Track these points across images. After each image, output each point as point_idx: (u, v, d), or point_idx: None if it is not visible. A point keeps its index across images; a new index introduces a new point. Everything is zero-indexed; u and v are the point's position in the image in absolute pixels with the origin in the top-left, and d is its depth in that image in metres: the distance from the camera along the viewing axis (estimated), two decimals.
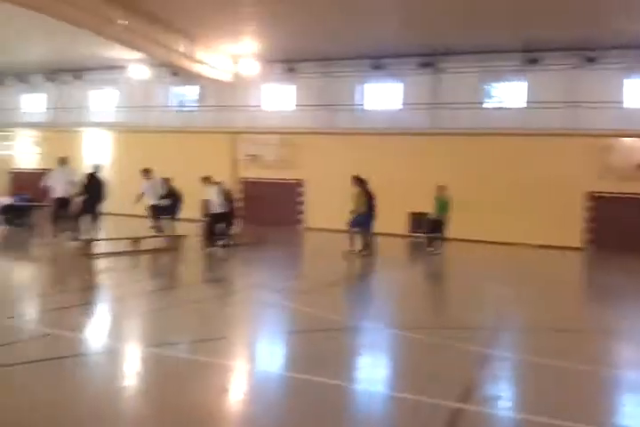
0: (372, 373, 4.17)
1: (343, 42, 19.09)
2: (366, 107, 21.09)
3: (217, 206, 12.15)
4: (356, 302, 7.18)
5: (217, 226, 12.37)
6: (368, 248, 12.15)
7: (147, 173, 13.55)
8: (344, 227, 18.98)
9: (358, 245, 12.12)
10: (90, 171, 12.91)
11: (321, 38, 18.79)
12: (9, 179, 28.02)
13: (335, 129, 21.21)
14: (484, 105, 19.50)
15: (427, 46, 18.89)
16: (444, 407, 3.33)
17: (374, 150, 20.36)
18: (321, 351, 4.53)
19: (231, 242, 13.07)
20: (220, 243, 12.13)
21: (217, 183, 12.81)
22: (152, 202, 13.20)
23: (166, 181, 13.92)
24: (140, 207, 13.69)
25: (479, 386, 3.87)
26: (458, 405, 3.37)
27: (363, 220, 12.34)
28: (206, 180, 12.65)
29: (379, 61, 20.37)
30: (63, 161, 13.12)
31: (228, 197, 12.78)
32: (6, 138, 27.07)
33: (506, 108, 19.30)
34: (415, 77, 20.11)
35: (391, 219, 20.01)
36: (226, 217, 12.54)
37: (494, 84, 19.93)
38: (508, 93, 19.65)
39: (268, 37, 19.22)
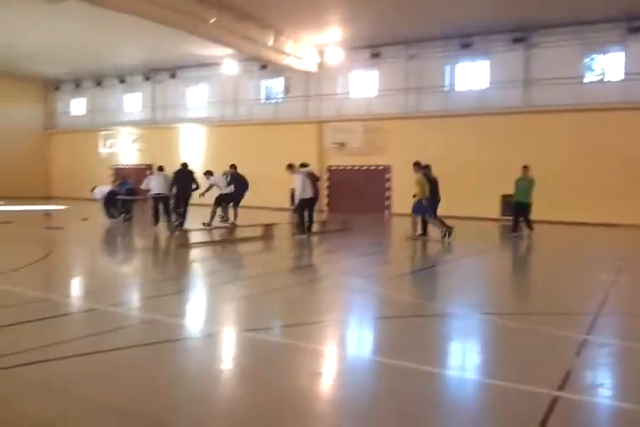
0: (464, 359, 4.10)
1: (429, 22, 18.65)
2: (456, 88, 20.52)
3: (303, 192, 12.29)
4: (444, 287, 7.07)
5: (305, 213, 12.53)
6: (426, 233, 12.32)
7: (232, 167, 14.13)
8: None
9: (419, 230, 12.29)
10: (181, 167, 13.81)
11: (406, 20, 18.46)
12: (111, 174, 29.90)
13: (422, 113, 20.84)
14: (584, 79, 18.38)
15: (518, 21, 18.06)
16: (539, 395, 3.21)
17: (463, 132, 19.83)
18: (411, 337, 4.51)
19: (317, 229, 13.29)
20: (306, 229, 12.38)
21: (304, 166, 12.95)
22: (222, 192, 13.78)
23: (232, 168, 14.44)
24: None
25: (577, 373, 3.69)
26: (555, 393, 3.24)
27: (427, 205, 12.28)
28: (290, 167, 12.74)
29: (467, 40, 19.71)
30: (161, 168, 14.40)
31: (313, 181, 12.73)
32: (109, 136, 28.83)
33: (606, 82, 18.11)
34: (505, 54, 19.30)
35: (483, 202, 19.47)
36: (313, 202, 12.66)
37: (593, 57, 18.71)
38: (608, 66, 18.38)
39: (352, 24, 19.14)
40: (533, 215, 13.68)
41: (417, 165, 12.91)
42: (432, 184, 12.60)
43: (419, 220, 12.44)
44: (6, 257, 8.61)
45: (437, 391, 3.39)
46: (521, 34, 18.67)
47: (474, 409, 3.15)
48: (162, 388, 3.28)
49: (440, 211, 13.14)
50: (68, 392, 3.12)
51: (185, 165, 13.97)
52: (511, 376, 3.53)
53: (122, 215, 14.77)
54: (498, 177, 19.34)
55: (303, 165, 12.93)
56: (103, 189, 15.51)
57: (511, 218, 13.38)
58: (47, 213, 16.28)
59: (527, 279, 7.79)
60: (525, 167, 13.22)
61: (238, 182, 14.11)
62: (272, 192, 23.35)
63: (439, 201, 12.82)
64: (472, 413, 3.09)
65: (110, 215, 15.26)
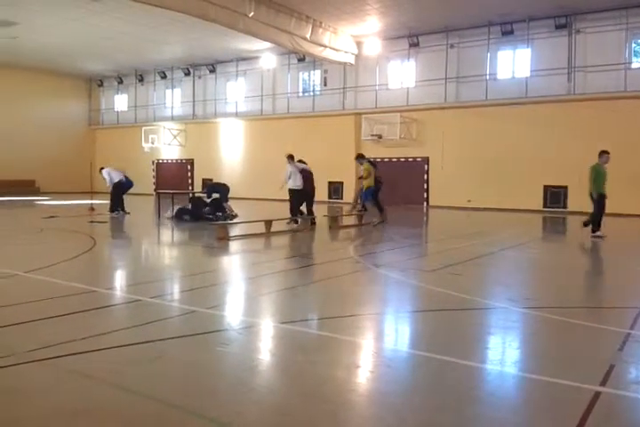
0: (504, 353, 4.05)
1: (469, 10, 18.32)
2: (498, 76, 20.13)
3: (293, 183, 13.22)
4: (484, 280, 6.97)
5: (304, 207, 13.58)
6: (382, 218, 13.65)
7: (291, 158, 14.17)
8: (470, 204, 18.34)
9: (378, 216, 13.66)
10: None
11: (445, 8, 18.19)
12: (154, 168, 30.49)
13: (462, 103, 20.53)
14: (632, 65, 17.77)
15: (560, 7, 17.56)
16: (581, 390, 3.15)
17: (504, 122, 19.45)
18: (449, 331, 4.48)
19: (353, 221, 13.41)
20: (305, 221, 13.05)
21: (301, 162, 13.77)
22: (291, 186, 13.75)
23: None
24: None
25: (620, 368, 3.60)
26: (597, 388, 3.17)
27: (371, 193, 13.70)
28: (291, 158, 13.55)
29: (508, 27, 19.28)
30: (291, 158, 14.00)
31: (307, 176, 13.51)
32: (151, 131, 29.38)
33: None
34: (548, 41, 18.80)
35: (524, 193, 19.07)
36: (307, 195, 13.55)
37: None
38: None
39: (390, 14, 18.96)
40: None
41: (361, 156, 14.31)
42: (375, 173, 14.03)
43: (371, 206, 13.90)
44: (52, 250, 8.91)
45: (476, 385, 3.36)
46: (564, 20, 18.15)
47: (513, 403, 3.11)
48: (201, 378, 3.35)
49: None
50: (109, 382, 3.22)
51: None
52: (552, 371, 3.47)
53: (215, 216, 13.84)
54: (540, 168, 18.93)
55: (300, 161, 13.79)
56: (112, 173, 15.28)
57: (593, 213, 11.17)
58: (91, 208, 16.73)
59: (571, 272, 7.60)
60: (606, 153, 11.22)
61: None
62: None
63: (380, 187, 14.49)
64: (511, 407, 3.05)
65: (113, 208, 15.16)
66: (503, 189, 19.45)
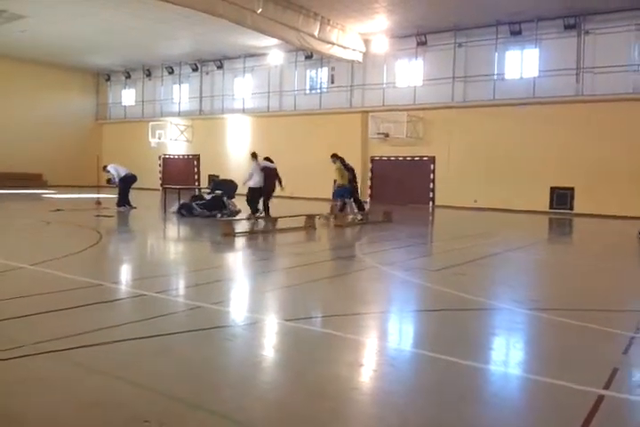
0: (507, 354, 4.05)
1: (478, 9, 18.27)
2: (506, 76, 20.07)
3: (253, 181, 13.54)
4: (489, 280, 6.96)
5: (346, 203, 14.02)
6: (343, 212, 14.07)
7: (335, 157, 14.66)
8: (476, 205, 18.30)
9: (356, 212, 14.29)
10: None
11: (454, 7, 18.14)
12: (160, 164, 30.56)
13: (469, 102, 20.49)
14: None
15: (569, 7, 17.48)
16: (584, 393, 3.15)
17: (512, 123, 19.40)
18: (453, 331, 4.48)
19: (359, 220, 13.46)
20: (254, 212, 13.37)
21: (268, 159, 14.21)
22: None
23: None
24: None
25: (624, 371, 3.60)
26: (601, 391, 3.17)
27: (343, 191, 14.11)
28: (254, 156, 14.06)
29: (517, 27, 19.20)
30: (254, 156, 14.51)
31: (272, 175, 13.88)
32: (158, 127, 29.43)
33: None
34: (557, 41, 18.72)
35: (531, 194, 19.02)
36: (264, 192, 13.78)
37: None
38: None
39: (398, 12, 18.93)
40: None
41: (335, 156, 14.50)
42: (350, 172, 14.40)
43: (340, 204, 14.24)
44: (58, 244, 8.95)
45: (480, 386, 3.36)
46: (573, 20, 18.07)
47: (516, 405, 3.12)
48: (205, 373, 3.37)
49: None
50: (115, 375, 3.24)
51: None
52: (555, 373, 3.46)
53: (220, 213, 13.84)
54: (547, 169, 18.88)
55: (267, 159, 14.24)
56: (119, 168, 15.38)
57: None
58: (98, 202, 16.79)
59: (577, 274, 7.59)
60: None
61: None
62: (315, 182, 23.41)
63: (356, 186, 14.94)
64: (515, 408, 3.05)
65: (121, 203, 15.26)
66: (509, 189, 19.40)
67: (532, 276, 7.57)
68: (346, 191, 14.14)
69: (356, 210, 14.54)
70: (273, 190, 14.12)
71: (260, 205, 13.76)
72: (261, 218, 13.19)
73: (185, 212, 13.79)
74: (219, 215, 13.46)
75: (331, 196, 14.60)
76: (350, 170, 14.47)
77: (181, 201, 14.34)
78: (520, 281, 6.98)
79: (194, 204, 13.95)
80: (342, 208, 14.27)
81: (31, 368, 3.32)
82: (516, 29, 19.12)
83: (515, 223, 15.66)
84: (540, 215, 17.97)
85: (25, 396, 2.92)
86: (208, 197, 14.31)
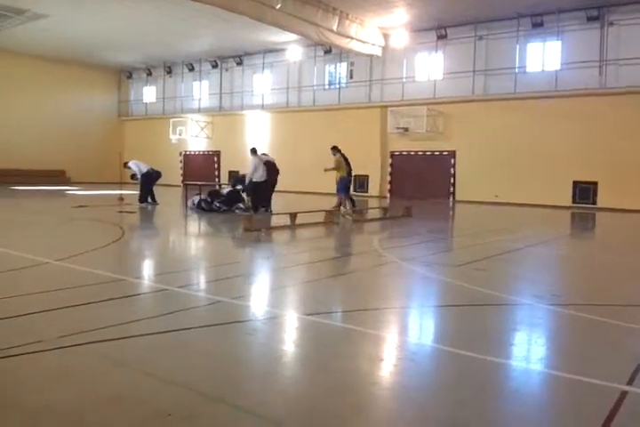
0: (529, 350, 4.02)
1: (498, 1, 18.04)
2: (527, 69, 19.81)
3: (256, 176, 13.75)
4: (510, 276, 6.90)
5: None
6: (342, 207, 14.23)
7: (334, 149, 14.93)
8: (497, 199, 18.10)
9: (348, 206, 14.21)
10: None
11: (474, 0, 17.92)
12: (181, 160, 30.79)
13: (490, 96, 20.27)
14: None
15: None
16: (607, 389, 3.11)
17: (533, 116, 19.16)
18: (473, 326, 4.46)
19: (379, 215, 13.44)
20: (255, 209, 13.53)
21: (265, 155, 14.50)
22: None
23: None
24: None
25: None
26: (624, 387, 3.13)
27: (346, 182, 14.29)
28: (253, 152, 14.30)
29: (538, 19, 18.93)
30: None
31: (271, 169, 14.06)
32: (179, 123, 29.65)
33: None
34: (579, 33, 18.42)
35: (553, 189, 18.78)
36: (267, 186, 13.97)
37: None
38: None
39: (418, 5, 18.79)
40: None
41: (335, 148, 14.70)
42: (348, 166, 14.50)
43: (341, 199, 14.41)
44: (82, 239, 9.08)
45: (500, 381, 3.35)
46: (595, 12, 17.75)
47: (538, 401, 3.10)
48: (226, 367, 3.41)
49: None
50: (138, 369, 3.29)
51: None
52: (577, 368, 3.44)
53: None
54: (570, 163, 18.63)
55: (264, 154, 14.54)
56: (140, 165, 15.56)
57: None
58: (120, 198, 16.99)
59: (599, 269, 7.49)
60: None
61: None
62: (334, 178, 23.38)
63: (351, 179, 15.08)
64: (536, 404, 3.03)
65: (143, 199, 15.47)
66: (531, 184, 19.19)
67: (553, 271, 7.49)
68: (347, 183, 14.32)
69: (349, 206, 14.56)
70: (275, 184, 14.35)
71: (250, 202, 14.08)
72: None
73: (205, 206, 13.92)
74: (237, 210, 13.57)
75: (338, 190, 14.63)
76: (348, 163, 14.64)
77: (199, 196, 14.47)
78: (541, 276, 6.91)
79: (209, 199, 14.14)
80: (340, 204, 14.44)
81: (55, 362, 3.38)
82: (537, 21, 18.85)
83: (536, 218, 15.49)
84: (563, 210, 17.75)
85: (48, 390, 2.98)
86: (225, 191, 14.47)
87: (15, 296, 4.91)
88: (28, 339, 3.68)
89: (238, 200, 14.08)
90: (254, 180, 13.75)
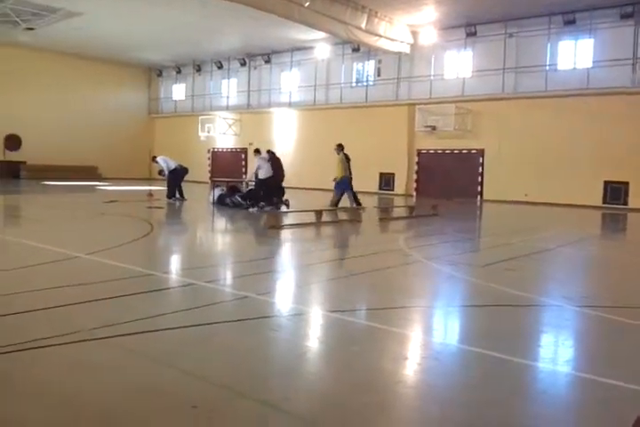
0: (555, 351, 3.97)
1: None
2: (559, 67, 19.48)
3: (265, 173, 13.98)
4: (538, 276, 6.82)
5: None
6: (360, 204, 14.39)
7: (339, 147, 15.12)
8: (526, 199, 17.87)
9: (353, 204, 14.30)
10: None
11: None
12: (209, 157, 31.08)
13: (520, 94, 20.00)
14: None
15: None
16: (636, 391, 3.06)
17: (564, 114, 18.84)
18: (500, 327, 4.41)
19: (405, 213, 13.31)
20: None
21: (270, 152, 14.63)
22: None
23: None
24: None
25: None
26: None
27: (346, 182, 14.30)
28: (257, 152, 14.75)
29: (570, 16, 18.60)
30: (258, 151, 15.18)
31: (276, 164, 14.32)
32: (207, 121, 29.91)
33: None
34: (612, 31, 18.03)
35: (583, 189, 18.45)
36: (275, 182, 14.18)
37: None
38: None
39: (447, 2, 18.62)
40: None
41: (340, 146, 14.89)
42: (349, 163, 14.72)
43: (337, 198, 14.47)
44: (112, 234, 9.25)
45: (527, 383, 3.32)
46: (630, 8, 17.36)
47: (565, 402, 3.06)
48: (251, 362, 3.44)
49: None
50: (165, 362, 3.35)
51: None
52: (606, 371, 3.38)
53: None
54: (601, 162, 18.29)
55: (269, 152, 14.68)
56: (169, 162, 15.75)
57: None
58: (150, 194, 17.24)
59: (629, 271, 7.34)
60: None
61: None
62: (361, 176, 23.32)
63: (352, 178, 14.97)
64: (563, 406, 3.00)
65: (171, 194, 15.69)
66: (561, 183, 18.88)
67: (583, 272, 7.37)
68: (348, 182, 14.40)
69: (353, 204, 14.54)
70: (283, 179, 14.51)
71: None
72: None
73: (229, 202, 14.14)
74: (258, 207, 13.71)
75: (335, 187, 14.72)
76: (349, 161, 14.84)
77: (220, 192, 14.78)
78: (570, 277, 6.81)
79: (232, 195, 14.46)
80: (337, 203, 14.44)
81: (87, 353, 3.46)
82: (569, 19, 18.51)
83: (566, 218, 15.24)
84: (593, 210, 17.42)
85: (80, 379, 3.06)
86: (244, 189, 14.84)
87: (48, 289, 5.03)
88: (63, 330, 3.77)
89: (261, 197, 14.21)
90: (260, 177, 14.07)
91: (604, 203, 18.16)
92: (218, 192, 14.80)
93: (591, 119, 18.17)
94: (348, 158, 14.81)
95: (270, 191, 14.00)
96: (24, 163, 28.32)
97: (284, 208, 13.84)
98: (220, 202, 14.38)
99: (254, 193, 14.07)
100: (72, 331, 3.76)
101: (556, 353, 3.92)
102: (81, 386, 2.96)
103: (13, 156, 28.21)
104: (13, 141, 28.32)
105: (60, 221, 10.84)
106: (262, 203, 13.68)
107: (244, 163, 29.47)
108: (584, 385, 3.28)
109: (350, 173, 14.81)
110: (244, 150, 29.49)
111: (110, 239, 8.25)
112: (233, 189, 14.91)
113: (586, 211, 17.11)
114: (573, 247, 9.20)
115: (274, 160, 14.31)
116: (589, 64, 18.53)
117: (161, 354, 3.47)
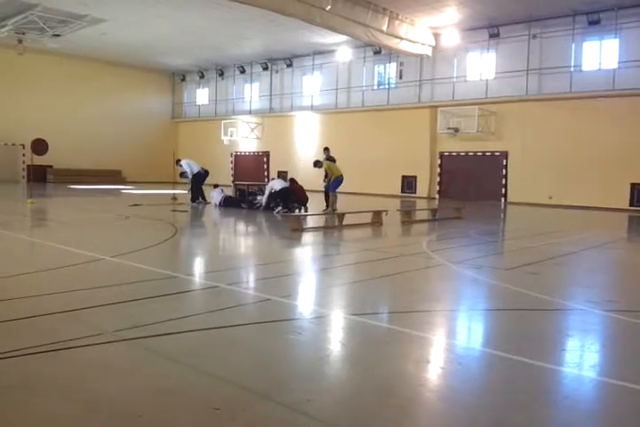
0: (581, 356, 3.92)
1: None
2: (583, 67, 19.23)
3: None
4: (563, 280, 6.72)
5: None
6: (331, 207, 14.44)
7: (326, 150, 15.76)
8: (551, 201, 17.60)
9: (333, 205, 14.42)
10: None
11: None
12: (232, 160, 31.31)
13: (544, 95, 19.79)
14: None
15: None
16: None
17: (589, 116, 18.58)
18: (524, 331, 4.37)
19: (427, 216, 13.23)
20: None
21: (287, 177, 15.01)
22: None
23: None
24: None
25: None
26: None
27: (338, 184, 14.48)
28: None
29: (595, 16, 18.35)
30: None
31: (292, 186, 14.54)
32: (230, 125, 30.15)
33: None
34: (638, 31, 17.75)
35: (609, 191, 18.15)
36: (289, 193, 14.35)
37: None
38: None
39: (470, 4, 18.52)
40: None
41: (326, 149, 15.65)
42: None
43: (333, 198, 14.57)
44: (137, 237, 9.37)
45: (551, 388, 3.28)
46: None
47: (589, 408, 3.02)
48: (273, 364, 3.46)
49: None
50: (187, 364, 3.38)
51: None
52: (632, 376, 3.33)
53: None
54: (627, 164, 17.99)
55: (292, 179, 14.87)
56: (192, 165, 16.00)
57: None
58: (174, 197, 17.41)
59: None
60: None
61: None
62: (383, 178, 23.30)
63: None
64: (587, 411, 2.96)
65: (194, 198, 15.97)
66: (586, 185, 18.60)
67: (608, 276, 7.25)
68: (338, 183, 14.55)
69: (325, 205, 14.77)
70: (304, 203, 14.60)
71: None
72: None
73: (245, 205, 14.56)
74: (277, 210, 13.84)
75: (329, 189, 14.75)
76: (334, 162, 15.17)
77: (222, 194, 15.27)
78: (596, 281, 6.70)
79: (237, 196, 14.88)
80: (334, 202, 14.54)
81: (112, 354, 3.52)
82: (594, 19, 18.26)
83: (592, 221, 15.01)
84: (619, 213, 17.12)
85: (104, 380, 3.10)
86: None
87: (74, 291, 5.12)
88: (89, 331, 3.84)
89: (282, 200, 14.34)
90: (277, 189, 14.24)
91: (630, 206, 17.85)
92: (219, 194, 15.11)
93: (617, 121, 17.88)
94: (334, 161, 15.22)
95: (290, 198, 14.16)
96: (50, 167, 28.85)
97: (302, 211, 13.99)
98: (227, 204, 14.72)
99: (281, 195, 14.13)
100: (97, 333, 3.83)
101: (580, 358, 3.87)
102: (105, 386, 3.01)
103: (40, 160, 28.75)
104: (41, 146, 28.85)
105: (85, 224, 11.01)
106: (291, 204, 14.00)
107: (265, 166, 29.62)
108: (610, 391, 3.23)
109: (341, 176, 14.91)
110: (267, 154, 29.64)
111: (135, 242, 8.36)
112: (242, 192, 15.21)
113: (611, 214, 16.82)
114: (598, 251, 9.05)
115: (294, 187, 14.47)
116: (615, 65, 18.25)
117: (184, 356, 3.51)
